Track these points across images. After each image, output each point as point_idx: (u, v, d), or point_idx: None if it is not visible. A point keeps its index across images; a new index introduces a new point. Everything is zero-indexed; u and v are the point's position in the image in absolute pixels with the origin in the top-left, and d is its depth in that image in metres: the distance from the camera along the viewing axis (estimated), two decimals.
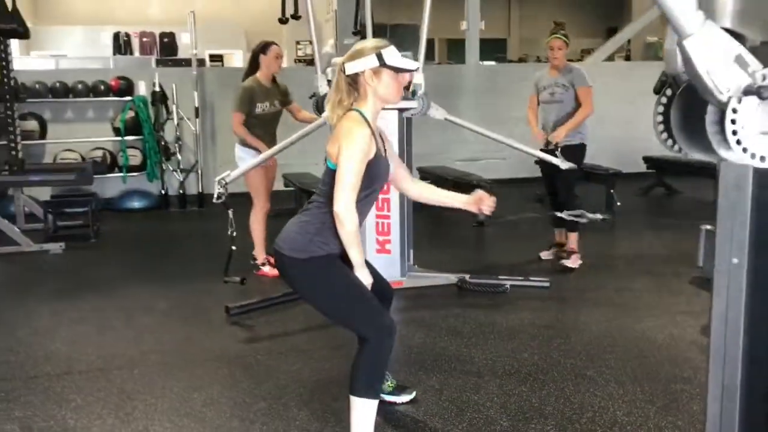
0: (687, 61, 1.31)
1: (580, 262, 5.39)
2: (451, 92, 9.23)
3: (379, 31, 7.05)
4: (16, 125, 6.81)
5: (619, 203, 7.34)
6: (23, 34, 6.33)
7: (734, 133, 1.29)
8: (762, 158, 1.32)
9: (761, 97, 1.26)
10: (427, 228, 6.89)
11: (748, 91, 1.30)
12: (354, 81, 2.55)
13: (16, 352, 3.88)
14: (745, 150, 1.31)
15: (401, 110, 4.83)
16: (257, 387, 3.38)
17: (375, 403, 2.54)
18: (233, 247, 4.45)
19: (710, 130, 1.35)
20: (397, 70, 2.54)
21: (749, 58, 1.31)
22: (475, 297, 4.75)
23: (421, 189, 2.98)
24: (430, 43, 18.83)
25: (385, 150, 2.68)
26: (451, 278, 4.98)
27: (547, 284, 4.90)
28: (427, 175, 8.06)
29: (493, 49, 18.37)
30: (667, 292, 4.76)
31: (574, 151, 5.28)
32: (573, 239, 5.41)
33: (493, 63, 15.39)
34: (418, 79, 4.77)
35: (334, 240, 2.53)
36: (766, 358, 1.56)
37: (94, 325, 4.35)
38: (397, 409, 3.14)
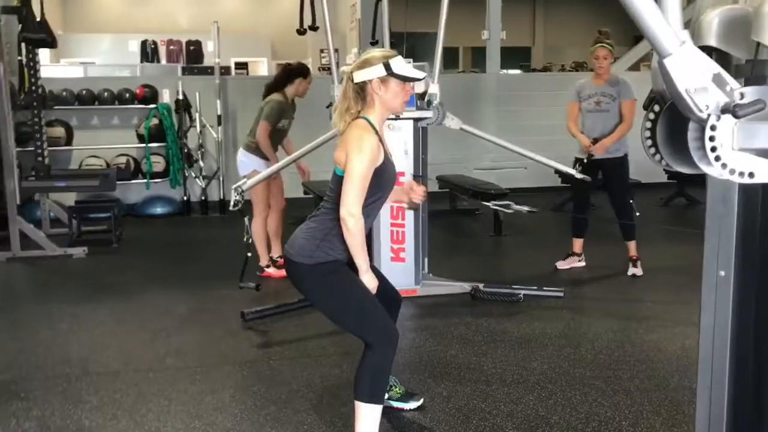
0: (667, 79, 1.35)
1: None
2: (471, 101, 9.28)
3: (397, 40, 7.12)
4: (43, 132, 6.98)
5: (638, 213, 7.30)
6: (51, 43, 6.50)
7: (713, 149, 1.33)
8: (741, 174, 1.35)
9: (736, 116, 1.29)
10: (442, 236, 6.93)
11: (726, 110, 1.33)
12: (362, 89, 2.62)
13: (37, 353, 3.99)
14: (724, 166, 1.35)
15: (417, 120, 4.88)
16: (268, 391, 3.44)
17: (379, 408, 2.59)
18: (249, 254, 4.53)
19: (692, 146, 1.39)
20: (404, 79, 2.60)
21: (727, 77, 1.35)
22: (489, 306, 4.77)
23: None
24: (453, 51, 18.73)
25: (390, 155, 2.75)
26: (465, 287, 5.01)
27: (561, 294, 4.91)
28: (446, 183, 8.11)
29: (517, 57, 18.40)
30: (681, 303, 4.74)
31: (621, 164, 5.39)
32: (632, 247, 5.51)
33: (516, 72, 15.41)
34: (434, 88, 4.81)
35: (340, 246, 2.59)
36: (753, 369, 1.58)
37: (113, 328, 4.46)
38: (405, 415, 3.19)
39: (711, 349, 1.64)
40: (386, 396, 3.14)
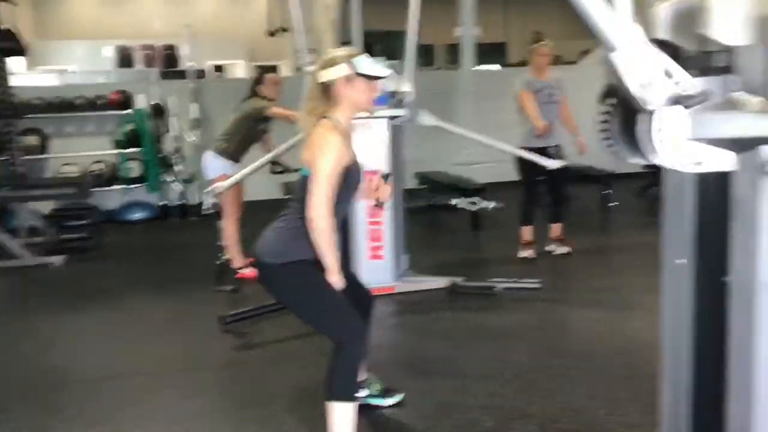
0: (616, 73, 1.38)
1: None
2: (448, 98, 9.30)
3: (372, 39, 7.14)
4: (16, 141, 6.92)
5: (614, 203, 7.39)
6: (19, 51, 6.45)
7: (662, 140, 1.35)
8: (689, 164, 1.38)
9: (684, 107, 1.32)
10: (421, 233, 6.94)
11: (674, 101, 1.36)
12: (327, 89, 2.62)
13: (17, 364, 3.97)
14: (673, 156, 1.37)
15: (390, 118, 4.90)
16: (248, 394, 3.45)
17: (351, 406, 2.59)
18: (224, 257, 4.52)
19: (642, 137, 1.41)
20: (370, 78, 2.61)
21: (676, 69, 1.37)
22: (467, 300, 4.81)
23: None
24: (429, 48, 18.65)
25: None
26: (444, 282, 5.04)
27: (538, 285, 4.95)
28: (425, 180, 8.14)
29: (493, 53, 18.45)
30: (656, 292, 4.78)
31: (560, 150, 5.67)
32: (558, 229, 5.84)
33: (491, 67, 15.46)
34: (406, 86, 4.84)
35: (309, 246, 2.58)
36: (713, 354, 1.61)
37: (92, 336, 4.44)
38: (383, 412, 3.20)
39: (672, 336, 1.68)
40: (365, 393, 3.17)
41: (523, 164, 5.46)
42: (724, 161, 1.37)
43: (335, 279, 2.59)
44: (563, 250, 5.82)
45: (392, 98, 4.83)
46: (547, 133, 5.47)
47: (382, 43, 6.28)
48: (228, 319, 4.41)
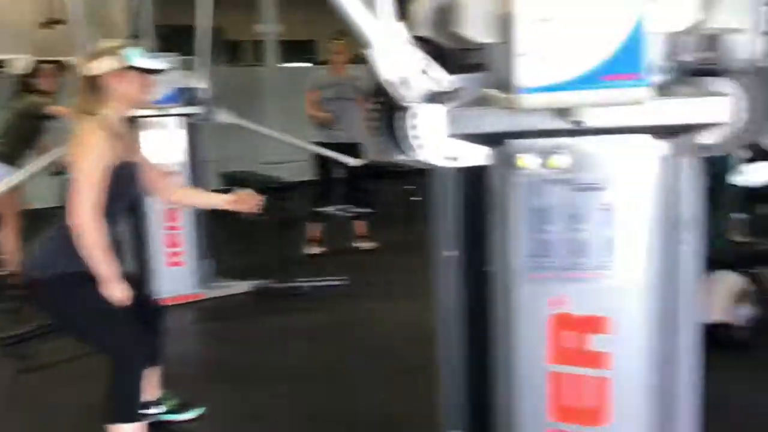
0: (374, 70, 1.37)
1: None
2: (252, 95, 9.15)
3: (171, 33, 6.81)
4: None
5: (417, 198, 7.64)
6: None
7: (416, 137, 1.37)
8: (446, 159, 1.41)
9: (440, 103, 1.34)
10: (228, 235, 6.75)
11: (432, 98, 1.38)
12: (96, 84, 2.43)
13: None
14: (429, 152, 1.39)
15: (185, 116, 4.70)
16: (27, 421, 3.15)
17: (136, 426, 2.43)
18: (3, 271, 4.10)
19: (400, 134, 1.42)
20: (142, 71, 2.45)
21: (432, 67, 1.39)
22: (276, 302, 4.74)
23: (183, 194, 2.95)
24: (235, 44, 18.23)
25: (136, 157, 2.58)
26: (252, 285, 4.93)
27: (345, 282, 4.99)
28: (231, 179, 7.92)
29: (303, 50, 18.45)
30: None
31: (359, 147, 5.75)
32: (363, 225, 6.02)
33: (300, 65, 15.48)
34: (200, 83, 4.68)
35: (79, 256, 2.36)
36: (480, 341, 1.67)
37: None
38: (182, 427, 3.05)
39: (444, 326, 1.73)
40: (159, 410, 2.99)
41: (322, 161, 5.51)
42: (479, 156, 1.41)
43: (113, 290, 2.39)
44: (369, 245, 5.93)
45: (185, 95, 4.63)
46: (329, 123, 5.53)
47: (181, 38, 5.99)
48: (7, 341, 4.01)
